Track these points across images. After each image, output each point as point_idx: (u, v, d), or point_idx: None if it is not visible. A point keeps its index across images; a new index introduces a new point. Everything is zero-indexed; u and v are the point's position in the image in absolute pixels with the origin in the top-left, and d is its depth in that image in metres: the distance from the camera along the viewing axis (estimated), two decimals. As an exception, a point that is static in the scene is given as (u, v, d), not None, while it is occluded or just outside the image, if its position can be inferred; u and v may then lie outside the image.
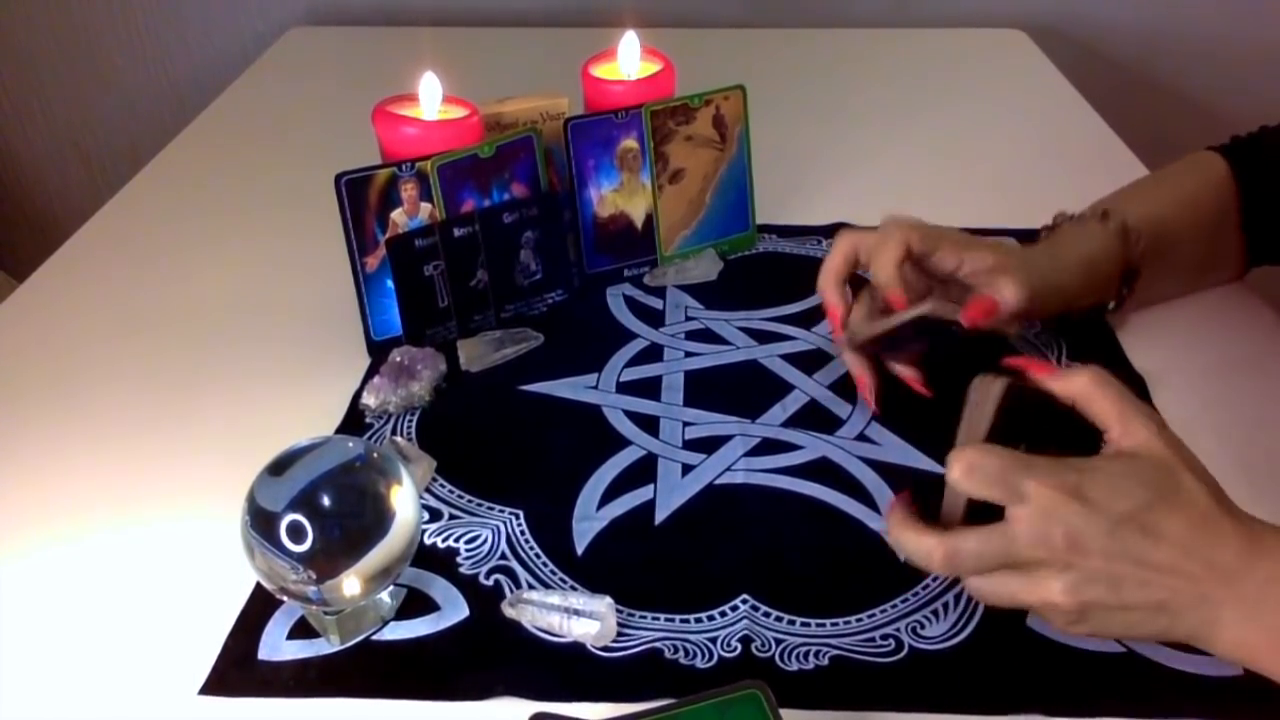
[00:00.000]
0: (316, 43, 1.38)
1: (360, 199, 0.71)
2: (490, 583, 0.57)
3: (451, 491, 0.64)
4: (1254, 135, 0.77)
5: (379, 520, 0.51)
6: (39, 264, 0.88)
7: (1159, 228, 0.72)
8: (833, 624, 0.55)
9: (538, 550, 0.59)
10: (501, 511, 0.62)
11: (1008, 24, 1.36)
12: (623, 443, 0.67)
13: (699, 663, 0.53)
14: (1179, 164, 0.79)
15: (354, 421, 0.69)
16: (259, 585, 0.56)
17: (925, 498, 0.54)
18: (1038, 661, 0.53)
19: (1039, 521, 0.48)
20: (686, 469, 0.65)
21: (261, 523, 0.50)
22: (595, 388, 0.72)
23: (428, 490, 0.64)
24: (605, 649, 0.53)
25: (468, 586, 0.57)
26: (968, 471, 0.49)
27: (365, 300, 0.73)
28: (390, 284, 0.72)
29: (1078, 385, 0.51)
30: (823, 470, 0.65)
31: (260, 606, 0.56)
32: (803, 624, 0.55)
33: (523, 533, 0.61)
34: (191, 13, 1.43)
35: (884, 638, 0.54)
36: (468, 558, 0.59)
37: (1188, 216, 0.74)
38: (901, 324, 0.64)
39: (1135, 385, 0.71)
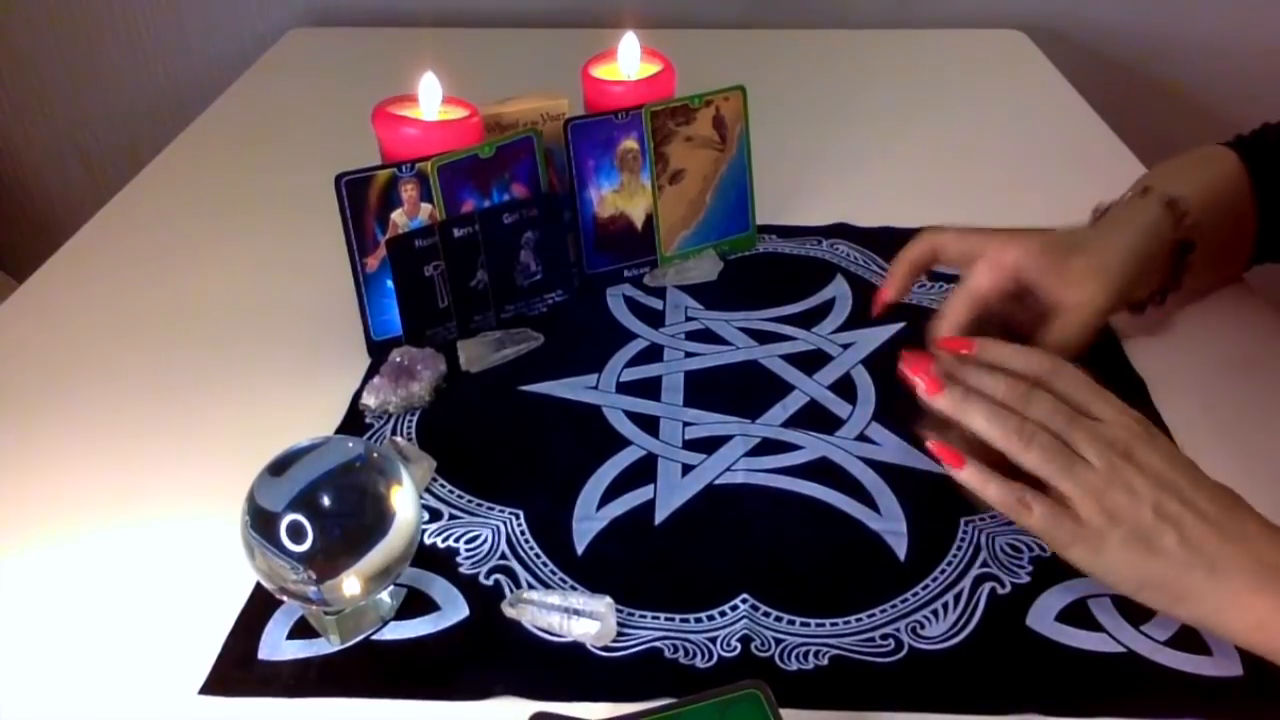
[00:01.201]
0: (316, 43, 1.38)
1: (360, 199, 0.71)
2: (490, 582, 0.57)
3: (451, 491, 0.64)
4: (1257, 132, 0.77)
5: (379, 520, 0.51)
6: (39, 264, 0.88)
7: (1206, 203, 0.70)
8: (832, 624, 0.55)
9: (538, 550, 0.59)
10: (501, 511, 0.62)
11: (1008, 25, 1.36)
12: (623, 443, 0.67)
13: (699, 662, 0.53)
14: (1191, 155, 0.77)
15: (354, 422, 0.69)
16: (259, 585, 0.56)
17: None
18: (1037, 662, 0.53)
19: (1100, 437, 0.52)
20: (686, 469, 0.65)
21: (261, 523, 0.50)
22: (595, 388, 0.72)
23: (428, 490, 0.64)
24: (605, 649, 0.53)
25: (468, 586, 0.57)
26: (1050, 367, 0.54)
27: (365, 300, 0.73)
28: (390, 284, 0.72)
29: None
30: (823, 470, 0.65)
31: (260, 606, 0.56)
32: (802, 624, 0.55)
33: (523, 533, 0.61)
34: (191, 13, 1.43)
35: (884, 637, 0.54)
36: (468, 557, 0.59)
37: (1218, 202, 0.73)
38: None
39: (1135, 386, 0.71)
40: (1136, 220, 0.68)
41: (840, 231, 0.90)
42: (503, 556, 0.59)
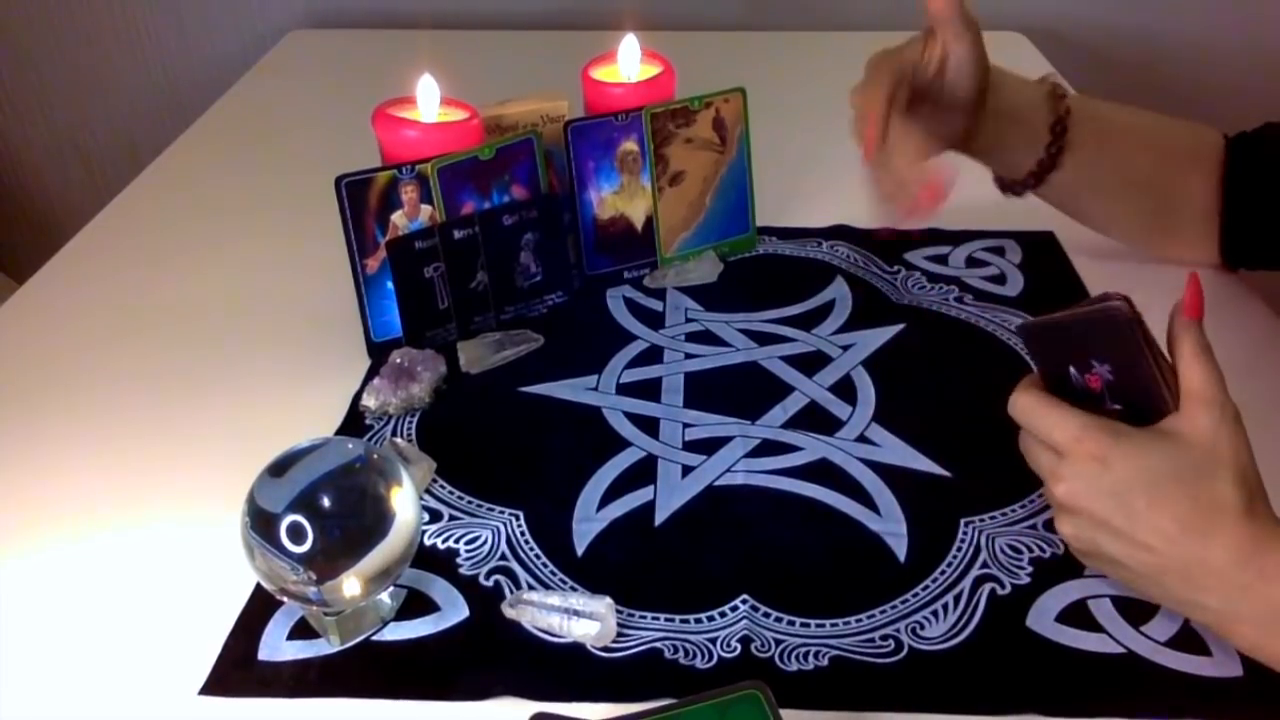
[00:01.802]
0: (317, 45, 1.38)
1: (360, 201, 0.71)
2: (490, 583, 0.57)
3: (451, 493, 0.64)
4: (1258, 130, 0.77)
5: (379, 521, 0.51)
6: (39, 265, 0.88)
7: (1102, 115, 0.75)
8: (832, 624, 0.55)
9: (538, 551, 0.59)
10: (501, 513, 0.62)
11: (1008, 26, 1.36)
12: (623, 444, 0.67)
13: (699, 663, 0.53)
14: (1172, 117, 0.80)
15: (354, 423, 0.69)
16: (259, 586, 0.56)
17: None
18: (1037, 662, 0.53)
19: (1056, 465, 0.52)
20: (686, 470, 0.65)
21: (262, 524, 0.50)
22: (595, 389, 0.72)
23: (428, 491, 0.64)
24: (605, 649, 0.53)
25: (468, 587, 0.57)
26: (1019, 414, 0.54)
27: (365, 302, 0.73)
28: (390, 286, 0.72)
29: (1183, 346, 0.51)
30: (822, 471, 0.65)
31: (260, 607, 0.56)
32: (802, 624, 0.55)
33: (523, 533, 0.61)
34: (191, 14, 1.43)
35: (884, 638, 0.54)
36: (468, 558, 0.59)
37: (1145, 136, 0.77)
38: None
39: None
40: (1016, 81, 0.76)
41: (840, 233, 0.90)
42: (503, 557, 0.59)
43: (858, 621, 0.55)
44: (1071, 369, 0.53)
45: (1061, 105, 0.74)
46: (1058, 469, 0.52)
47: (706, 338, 0.77)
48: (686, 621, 0.55)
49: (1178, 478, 0.49)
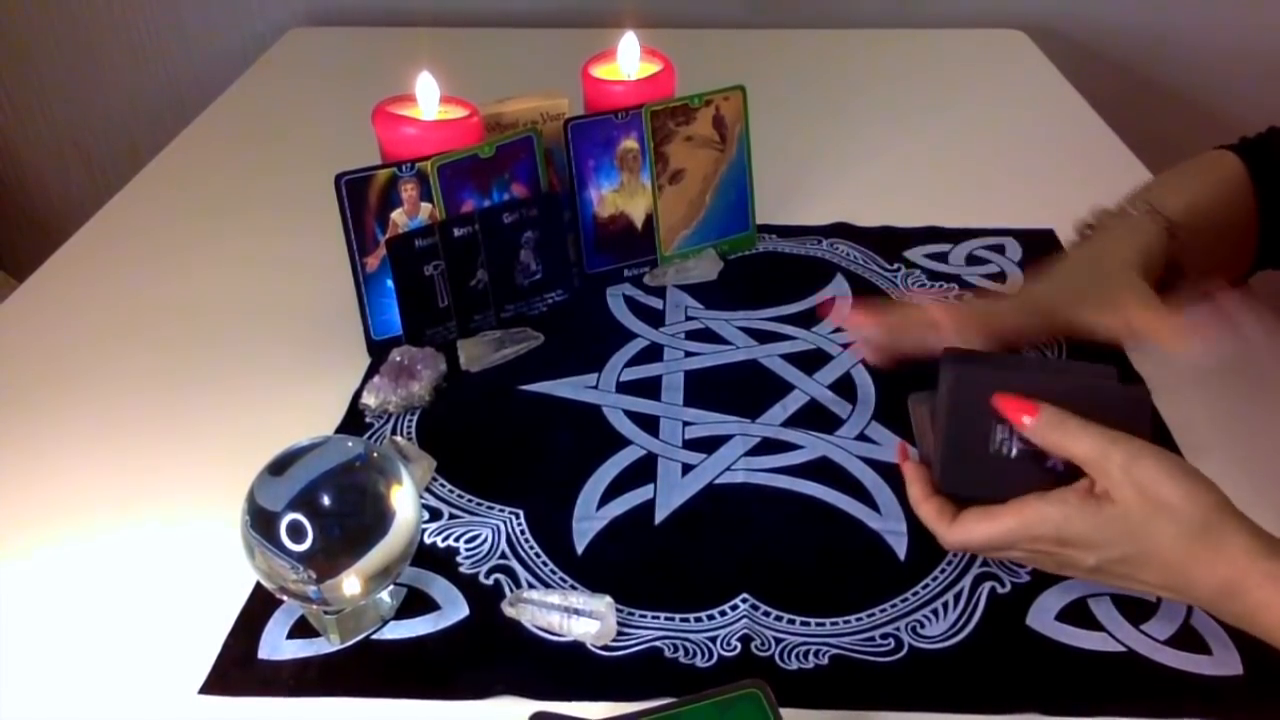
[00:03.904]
0: (316, 43, 1.38)
1: (360, 199, 0.71)
2: (490, 582, 0.57)
3: (451, 491, 0.64)
4: (1263, 136, 0.77)
5: (379, 520, 0.51)
6: (39, 264, 0.88)
7: (1197, 223, 0.71)
8: (832, 623, 0.55)
9: (538, 550, 0.59)
10: (501, 511, 0.62)
11: (1008, 24, 1.36)
12: (623, 442, 0.67)
13: (699, 662, 0.53)
14: (1198, 161, 0.77)
15: (354, 421, 0.69)
16: (259, 585, 0.56)
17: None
18: (1037, 661, 0.53)
19: (1031, 557, 0.54)
20: (686, 469, 0.65)
21: (261, 522, 0.50)
22: (595, 387, 0.72)
23: (428, 490, 0.64)
24: (605, 648, 0.53)
25: (468, 586, 0.57)
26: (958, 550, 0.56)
27: (365, 300, 0.73)
28: (390, 284, 0.72)
29: (1049, 438, 0.52)
30: (822, 470, 0.65)
31: (260, 606, 0.56)
32: (802, 623, 0.55)
33: (523, 532, 0.61)
34: (191, 13, 1.43)
35: (884, 637, 0.54)
36: (468, 557, 0.59)
37: (1220, 214, 0.73)
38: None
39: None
40: (1132, 243, 0.68)
41: (840, 231, 0.90)
42: (503, 556, 0.59)
43: (858, 620, 0.55)
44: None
45: (1177, 242, 0.69)
46: (1024, 561, 0.55)
47: (706, 336, 0.77)
48: (686, 620, 0.55)
49: (1136, 555, 0.50)
